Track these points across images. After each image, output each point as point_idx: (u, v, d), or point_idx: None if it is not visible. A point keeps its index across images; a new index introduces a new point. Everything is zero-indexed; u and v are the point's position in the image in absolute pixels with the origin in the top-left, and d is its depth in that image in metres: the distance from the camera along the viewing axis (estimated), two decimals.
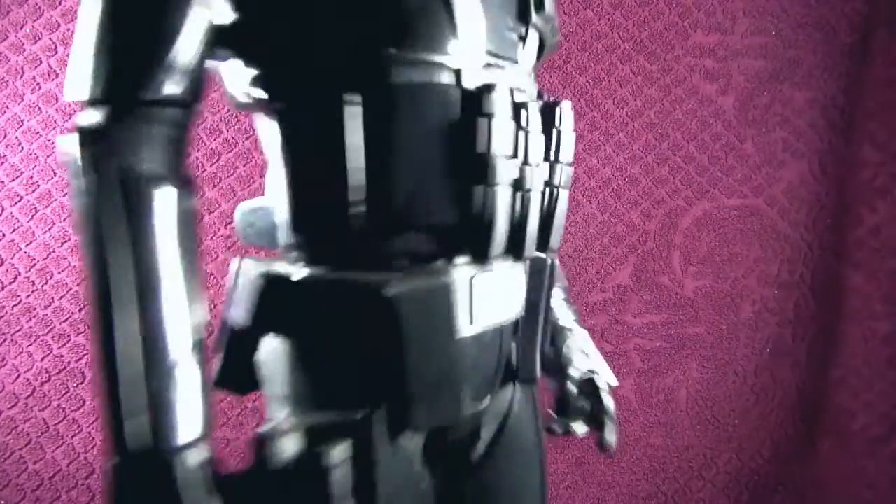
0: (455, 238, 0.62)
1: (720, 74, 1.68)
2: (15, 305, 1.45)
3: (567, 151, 0.69)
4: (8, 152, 1.49)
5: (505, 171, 0.60)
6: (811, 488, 1.65)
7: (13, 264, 1.46)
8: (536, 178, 0.64)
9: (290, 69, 0.61)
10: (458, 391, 0.63)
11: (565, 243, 1.62)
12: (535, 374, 0.74)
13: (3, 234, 1.46)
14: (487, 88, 0.60)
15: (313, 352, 0.62)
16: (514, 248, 0.65)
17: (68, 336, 1.45)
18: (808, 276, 1.67)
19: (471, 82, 0.61)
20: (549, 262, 0.73)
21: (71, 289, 1.46)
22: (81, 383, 1.45)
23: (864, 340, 1.65)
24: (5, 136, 1.49)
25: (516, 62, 0.67)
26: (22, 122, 1.50)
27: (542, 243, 0.69)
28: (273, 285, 0.62)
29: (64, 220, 1.48)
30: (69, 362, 1.44)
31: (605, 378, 0.85)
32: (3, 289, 1.45)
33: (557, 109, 0.68)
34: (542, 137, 0.65)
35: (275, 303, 0.62)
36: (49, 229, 1.47)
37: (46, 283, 1.46)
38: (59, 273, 1.46)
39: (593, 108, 1.66)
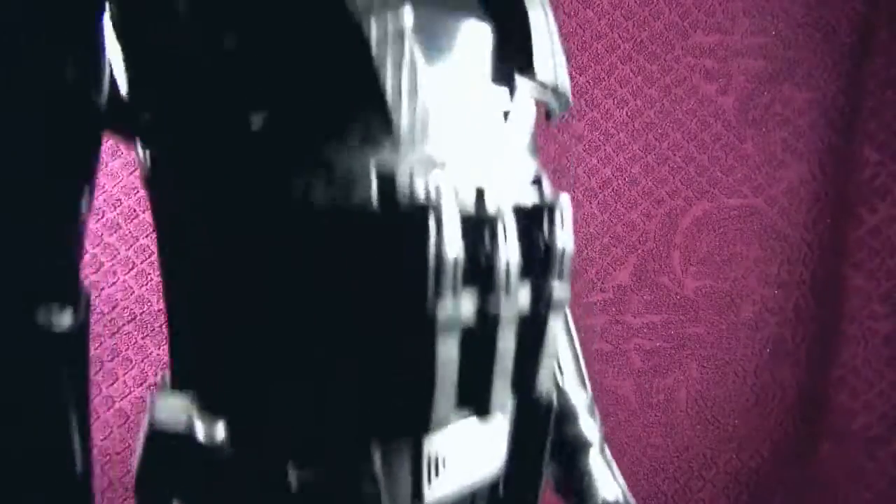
0: (392, 414, 0.45)
1: (720, 74, 1.68)
2: None
3: (562, 264, 0.51)
4: None
5: (452, 319, 0.44)
6: (811, 488, 1.65)
7: None
8: (507, 309, 0.47)
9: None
10: None
11: None
12: None
13: None
14: (423, 209, 0.42)
15: None
16: (475, 400, 0.48)
17: None
18: (808, 276, 1.67)
19: (405, 195, 0.43)
20: (544, 405, 0.54)
21: None
22: None
23: (864, 340, 1.65)
24: None
25: (494, 147, 0.51)
26: None
27: (526, 389, 0.52)
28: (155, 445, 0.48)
29: None
30: None
31: None
32: None
33: (551, 211, 0.52)
34: (519, 249, 0.48)
35: (157, 466, 0.48)
36: None
37: None
38: None
39: (593, 108, 1.66)
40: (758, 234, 1.66)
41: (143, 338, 1.45)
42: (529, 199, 0.52)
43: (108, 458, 1.38)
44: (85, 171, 0.47)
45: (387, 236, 0.43)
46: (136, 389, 1.41)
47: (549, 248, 0.51)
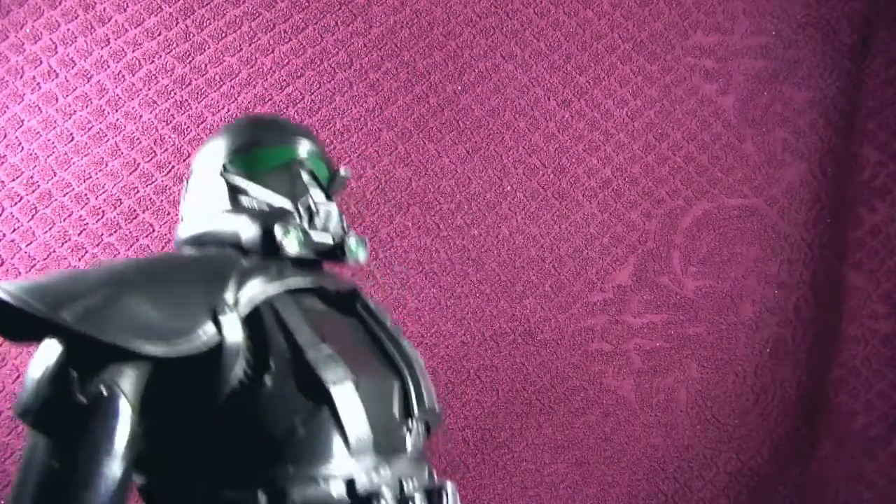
0: None
1: (720, 74, 1.68)
2: None
3: None
4: (8, 152, 1.49)
5: None
6: (811, 488, 1.65)
7: (13, 264, 1.46)
8: None
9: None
10: None
11: (565, 243, 1.62)
12: None
13: (3, 234, 1.46)
14: (375, 496, 0.71)
15: None
16: None
17: None
18: (808, 276, 1.66)
19: (362, 488, 0.72)
20: None
21: None
22: None
23: (864, 340, 1.65)
24: (5, 136, 1.49)
25: (405, 452, 0.79)
26: (22, 122, 1.50)
27: None
28: None
29: (64, 220, 1.48)
30: None
31: None
32: None
33: (443, 493, 0.78)
34: None
35: None
36: (49, 229, 1.47)
37: None
38: None
39: (593, 108, 1.66)
40: (758, 234, 1.66)
41: None
42: (427, 484, 0.80)
43: None
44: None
45: None
46: None
47: None
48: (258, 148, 0.90)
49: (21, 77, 1.52)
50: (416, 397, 0.83)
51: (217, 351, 0.70)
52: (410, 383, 0.83)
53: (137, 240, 1.50)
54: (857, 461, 1.65)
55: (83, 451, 0.65)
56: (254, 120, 0.99)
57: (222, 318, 0.72)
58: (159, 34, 1.57)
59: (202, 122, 1.55)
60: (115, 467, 0.66)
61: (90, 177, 1.50)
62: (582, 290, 1.62)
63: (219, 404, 0.70)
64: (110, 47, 1.55)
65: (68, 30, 1.54)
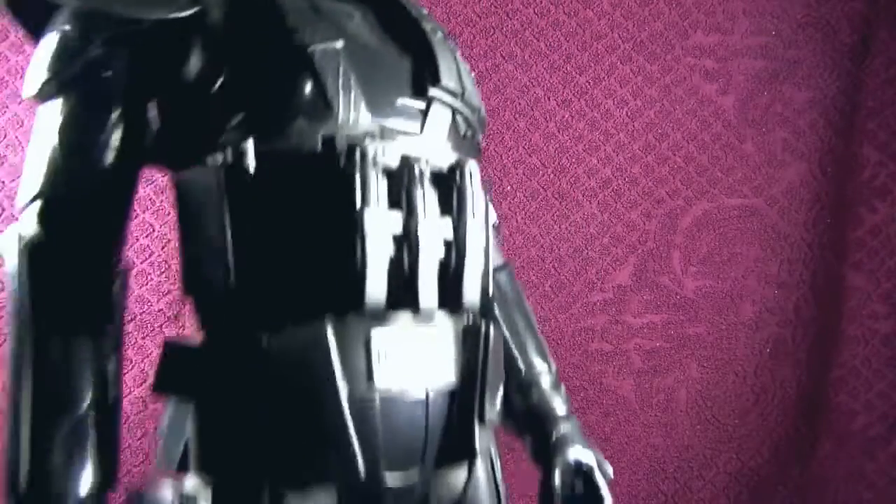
0: (338, 293, 0.62)
1: (720, 74, 1.68)
2: None
3: (473, 208, 0.69)
4: (8, 152, 1.49)
5: (378, 224, 0.62)
6: (811, 488, 1.65)
7: None
8: (425, 231, 0.65)
9: (179, 144, 0.68)
10: (351, 454, 0.61)
11: (565, 243, 1.62)
12: (473, 451, 0.70)
13: None
14: (354, 149, 0.63)
15: (205, 415, 0.64)
16: (407, 301, 0.65)
17: None
18: (808, 276, 1.67)
19: (343, 146, 0.63)
20: (483, 327, 0.71)
21: None
22: None
23: (864, 340, 1.65)
24: (5, 136, 1.49)
25: (417, 134, 0.70)
26: (22, 122, 1.50)
27: (454, 299, 0.68)
28: (168, 354, 0.69)
29: None
30: None
31: (603, 470, 0.80)
32: (3, 289, 1.45)
33: (462, 169, 0.69)
34: (436, 194, 0.68)
35: (169, 370, 0.68)
36: None
37: None
38: None
39: (593, 108, 1.66)
40: (758, 234, 1.66)
41: (143, 338, 1.45)
42: (445, 163, 0.70)
43: None
44: (133, 183, 0.71)
45: (328, 169, 0.63)
46: (136, 389, 1.41)
47: (462, 194, 0.69)
48: None
49: (21, 77, 1.52)
50: (431, 74, 0.72)
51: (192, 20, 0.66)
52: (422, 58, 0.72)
53: (138, 240, 1.50)
54: (857, 461, 1.65)
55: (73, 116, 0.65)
56: None
57: None
58: None
59: None
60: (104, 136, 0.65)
61: None
62: (582, 290, 1.62)
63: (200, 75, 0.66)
64: None
65: None
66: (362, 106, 0.66)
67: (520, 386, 0.84)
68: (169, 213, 1.51)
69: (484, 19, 1.66)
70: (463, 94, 0.76)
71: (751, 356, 1.66)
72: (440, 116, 0.72)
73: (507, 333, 0.86)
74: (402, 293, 0.64)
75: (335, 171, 0.63)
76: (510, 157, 1.63)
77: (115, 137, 0.66)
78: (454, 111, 0.74)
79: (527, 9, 1.68)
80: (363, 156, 0.62)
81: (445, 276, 0.67)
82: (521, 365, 0.85)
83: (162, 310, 1.48)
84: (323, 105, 0.64)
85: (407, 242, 0.64)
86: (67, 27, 0.66)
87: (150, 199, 1.51)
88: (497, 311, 0.86)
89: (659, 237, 1.65)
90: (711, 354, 1.65)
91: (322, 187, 0.63)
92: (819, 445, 1.66)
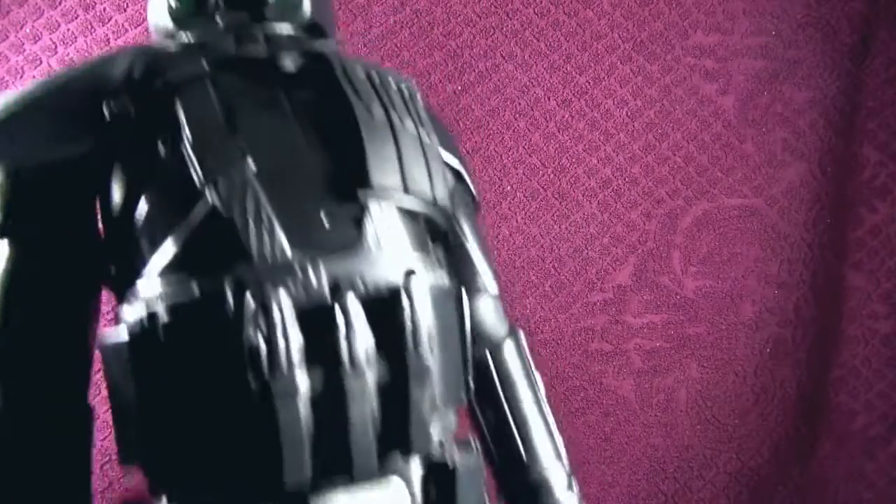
0: (254, 475, 0.55)
1: (720, 74, 1.68)
2: None
3: (416, 339, 0.58)
4: None
5: (292, 391, 0.53)
6: (811, 488, 1.65)
7: None
8: (353, 384, 0.55)
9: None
10: None
11: (565, 243, 1.62)
12: None
13: None
14: (265, 297, 0.54)
15: None
16: (340, 465, 0.55)
17: None
18: (808, 276, 1.67)
19: (254, 296, 0.54)
20: (450, 466, 0.61)
21: None
22: None
23: (864, 340, 1.65)
24: None
25: (353, 247, 0.60)
26: None
27: (402, 446, 0.58)
28: None
29: None
30: None
31: None
32: None
33: (408, 293, 0.58)
34: (370, 331, 0.57)
35: None
36: None
37: None
38: None
39: (593, 108, 1.66)
40: (758, 234, 1.66)
41: None
42: (386, 287, 0.59)
43: (107, 458, 1.38)
44: (89, 314, 0.71)
45: (231, 326, 0.54)
46: None
47: (402, 327, 0.58)
48: None
49: (21, 77, 1.52)
50: (357, 171, 0.61)
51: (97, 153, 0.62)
52: (350, 154, 0.61)
53: None
54: (857, 461, 1.65)
55: None
56: None
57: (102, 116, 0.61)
58: None
59: None
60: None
61: None
62: (582, 290, 1.62)
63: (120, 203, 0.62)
64: (110, 47, 1.55)
65: (68, 30, 1.54)
66: (279, 235, 0.57)
67: (527, 486, 0.76)
68: None
69: (484, 19, 1.66)
70: (405, 187, 0.64)
71: (751, 356, 1.66)
72: (381, 220, 0.62)
73: (511, 422, 0.77)
74: (333, 459, 0.55)
75: (238, 331, 0.54)
76: (510, 157, 1.63)
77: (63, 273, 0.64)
78: (400, 209, 0.64)
79: (527, 9, 1.68)
80: (270, 307, 0.54)
81: (388, 421, 0.58)
82: (526, 460, 0.77)
83: None
84: (232, 245, 0.57)
85: (333, 402, 0.55)
86: None
87: None
88: (499, 391, 0.78)
89: (659, 237, 1.65)
90: (711, 354, 1.65)
91: (225, 350, 0.54)
92: (819, 445, 1.66)
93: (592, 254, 1.63)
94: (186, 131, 0.59)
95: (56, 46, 1.53)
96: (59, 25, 1.54)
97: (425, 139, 0.68)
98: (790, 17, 1.69)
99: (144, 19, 1.62)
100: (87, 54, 1.53)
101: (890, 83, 1.65)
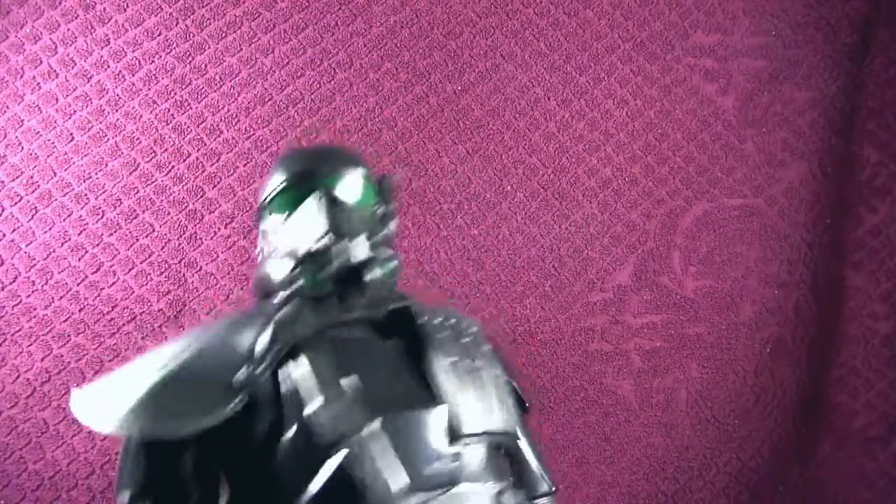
0: None
1: (720, 74, 1.68)
2: (15, 305, 1.44)
3: None
4: (8, 152, 1.49)
5: None
6: (811, 488, 1.65)
7: (13, 264, 1.46)
8: None
9: None
10: None
11: (565, 243, 1.62)
12: None
13: (3, 234, 1.46)
14: None
15: None
16: None
17: (68, 336, 1.45)
18: (808, 276, 1.66)
19: None
20: None
21: (71, 289, 1.46)
22: (81, 383, 1.45)
23: (864, 340, 1.65)
24: (5, 136, 1.49)
25: (458, 482, 0.76)
26: (22, 122, 1.50)
27: None
28: None
29: (64, 220, 1.48)
30: (69, 362, 1.44)
31: None
32: (3, 289, 1.45)
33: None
34: None
35: None
36: (49, 229, 1.47)
37: (46, 283, 1.46)
38: (59, 273, 1.46)
39: (593, 108, 1.66)
40: (758, 234, 1.66)
41: (143, 338, 1.45)
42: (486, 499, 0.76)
43: (107, 458, 1.38)
44: None
45: None
46: None
47: None
48: (282, 188, 0.91)
49: (21, 77, 1.52)
50: (453, 421, 0.77)
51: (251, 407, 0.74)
52: (449, 407, 0.77)
53: (137, 240, 1.50)
54: (857, 461, 1.65)
55: None
56: (287, 156, 0.99)
57: (246, 378, 0.74)
58: (159, 34, 1.57)
59: (202, 122, 1.55)
60: None
61: (90, 177, 1.50)
62: (582, 290, 1.61)
63: (253, 459, 0.74)
64: (110, 47, 1.55)
65: (68, 30, 1.54)
66: (402, 477, 0.71)
67: None
68: (169, 213, 1.51)
69: (484, 19, 1.66)
70: (489, 432, 0.80)
71: (751, 356, 1.65)
72: (472, 455, 0.78)
73: None
74: None
75: None
76: (510, 157, 1.63)
77: None
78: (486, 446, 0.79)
79: (527, 9, 1.68)
80: None
81: None
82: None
83: (162, 310, 1.47)
84: (359, 493, 0.70)
85: None
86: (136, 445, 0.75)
87: (150, 200, 1.51)
88: None
89: (659, 237, 1.65)
90: (711, 354, 1.64)
91: None
92: (819, 445, 1.66)
93: (592, 254, 1.63)
94: (314, 394, 0.73)
95: (56, 46, 1.53)
96: (59, 25, 1.54)
97: (495, 374, 0.84)
98: (790, 17, 1.69)
99: (145, 19, 1.62)
100: (87, 54, 1.54)
101: (890, 83, 1.65)
